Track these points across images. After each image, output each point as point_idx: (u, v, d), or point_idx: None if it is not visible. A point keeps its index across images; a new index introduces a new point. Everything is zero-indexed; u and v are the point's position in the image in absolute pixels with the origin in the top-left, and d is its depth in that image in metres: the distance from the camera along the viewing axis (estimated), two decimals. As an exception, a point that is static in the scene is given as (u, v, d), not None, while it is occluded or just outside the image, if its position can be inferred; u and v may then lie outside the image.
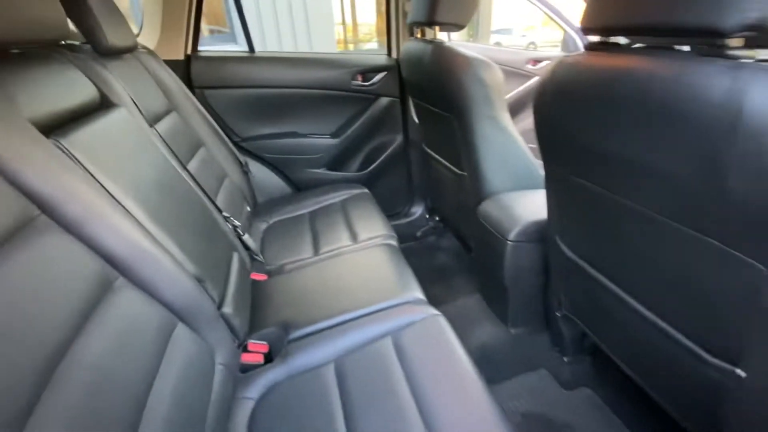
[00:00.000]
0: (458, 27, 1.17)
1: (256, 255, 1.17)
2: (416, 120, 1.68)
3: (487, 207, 1.17)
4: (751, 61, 0.39)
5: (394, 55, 1.66)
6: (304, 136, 1.68)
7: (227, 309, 0.83)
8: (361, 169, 1.80)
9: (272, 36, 5.63)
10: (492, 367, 1.19)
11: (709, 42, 0.41)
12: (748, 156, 0.38)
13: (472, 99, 1.11)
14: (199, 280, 0.77)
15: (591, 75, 0.55)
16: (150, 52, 1.27)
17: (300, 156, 1.70)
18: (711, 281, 0.51)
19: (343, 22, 7.46)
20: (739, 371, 0.54)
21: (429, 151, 1.54)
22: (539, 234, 1.05)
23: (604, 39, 0.55)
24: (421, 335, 0.86)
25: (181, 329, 0.69)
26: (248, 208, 1.39)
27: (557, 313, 1.06)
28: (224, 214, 1.08)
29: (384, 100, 1.68)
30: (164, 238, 0.73)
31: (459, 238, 1.82)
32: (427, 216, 1.95)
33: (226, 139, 1.47)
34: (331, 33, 6.13)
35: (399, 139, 1.78)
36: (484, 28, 6.33)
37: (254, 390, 0.81)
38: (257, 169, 1.67)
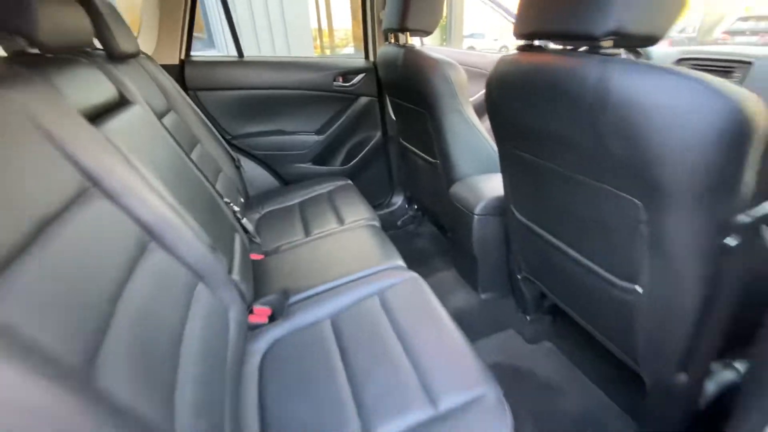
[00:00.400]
0: (426, 33, 1.35)
1: (254, 237, 1.30)
2: (393, 116, 1.84)
3: (457, 188, 1.35)
4: (617, 56, 0.57)
5: (371, 58, 1.83)
6: (291, 133, 1.82)
7: (235, 276, 0.97)
8: (344, 163, 1.95)
9: (251, 42, 5.71)
10: (466, 328, 1.35)
11: (589, 44, 0.59)
12: (615, 122, 0.56)
13: (440, 95, 1.28)
14: (213, 249, 0.90)
15: (520, 69, 0.73)
16: (149, 57, 1.38)
17: (287, 152, 1.83)
18: (611, 220, 0.69)
19: (319, 29, 7.60)
20: (637, 287, 0.72)
21: (405, 143, 1.70)
22: (501, 208, 1.23)
23: (529, 43, 0.73)
24: (403, 293, 1.02)
25: (201, 287, 0.83)
26: (242, 200, 1.51)
27: (518, 276, 1.24)
28: (225, 199, 1.21)
29: (363, 100, 1.84)
30: (183, 211, 0.86)
31: (435, 224, 2.00)
32: (407, 206, 2.11)
33: (219, 137, 1.60)
34: (308, 39, 6.25)
35: (378, 134, 1.95)
36: (456, 32, 6.57)
37: (262, 343, 0.95)
38: (247, 164, 1.79)
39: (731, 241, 0.55)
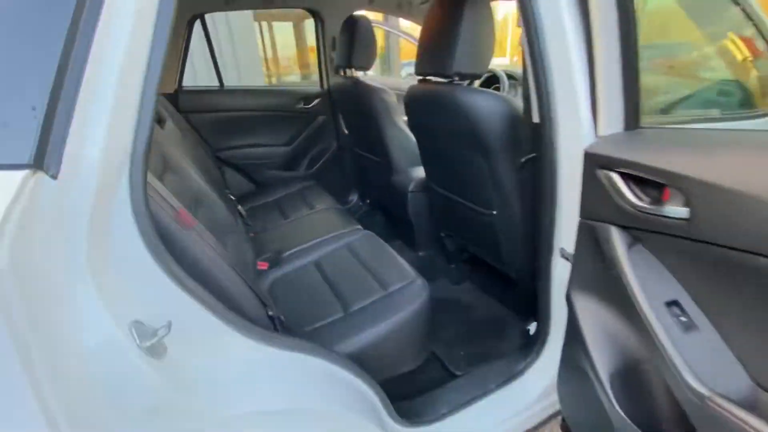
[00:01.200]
0: (365, 68, 1.89)
1: (247, 220, 1.71)
2: (345, 131, 2.35)
3: (395, 177, 1.87)
4: (462, 85, 1.13)
5: (325, 86, 2.34)
6: (264, 145, 2.26)
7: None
8: (308, 168, 2.42)
9: (205, 74, 5.99)
10: (409, 278, 1.86)
11: (448, 78, 1.14)
12: (462, 117, 1.10)
13: (378, 111, 1.81)
14: (232, 213, 1.33)
15: (420, 92, 1.27)
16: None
17: (261, 161, 2.26)
18: (473, 173, 1.23)
19: (265, 58, 8.08)
20: (493, 212, 1.26)
21: (357, 149, 2.21)
22: (425, 186, 1.77)
23: (423, 77, 1.29)
24: (363, 243, 1.50)
25: (229, 238, 1.25)
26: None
27: (442, 234, 1.76)
28: (226, 190, 1.62)
29: (321, 118, 2.34)
30: (210, 187, 1.28)
31: (383, 213, 2.50)
32: (361, 202, 2.60)
33: (207, 149, 2.00)
34: (258, 70, 6.67)
35: (334, 145, 2.44)
36: (394, 62, 7.37)
37: (266, 281, 1.37)
38: (228, 172, 2.20)
39: (522, 175, 1.11)
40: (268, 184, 2.28)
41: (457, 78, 1.13)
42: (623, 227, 0.67)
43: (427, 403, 1.11)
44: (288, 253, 1.50)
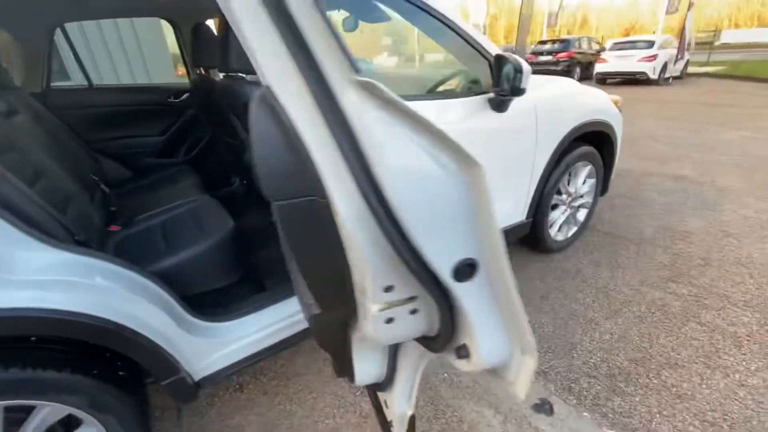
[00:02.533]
0: (213, 68, 2.28)
1: (110, 196, 2.06)
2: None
3: (246, 154, 2.30)
4: (244, 78, 1.59)
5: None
6: (139, 136, 2.58)
7: (97, 205, 1.76)
8: (186, 155, 2.76)
9: (108, 70, 5.97)
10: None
11: (233, 73, 1.59)
12: (236, 98, 1.56)
13: (228, 102, 2.22)
14: (80, 186, 1.68)
15: (222, 84, 1.72)
16: (19, 88, 2.05)
17: (138, 150, 2.58)
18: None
19: (183, 56, 8.10)
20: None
21: (223, 137, 2.60)
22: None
23: (226, 73, 1.73)
24: (202, 206, 1.92)
25: (73, 202, 1.61)
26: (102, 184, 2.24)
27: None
28: (92, 175, 1.96)
29: (191, 110, 2.69)
30: (62, 165, 1.63)
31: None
32: (241, 183, 2.99)
33: (80, 142, 2.29)
34: (168, 65, 6.71)
35: (209, 134, 2.81)
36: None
37: (117, 238, 1.74)
38: (107, 162, 2.49)
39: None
40: (146, 170, 2.61)
41: (235, 74, 1.58)
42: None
43: (228, 309, 1.56)
44: (140, 217, 1.88)
